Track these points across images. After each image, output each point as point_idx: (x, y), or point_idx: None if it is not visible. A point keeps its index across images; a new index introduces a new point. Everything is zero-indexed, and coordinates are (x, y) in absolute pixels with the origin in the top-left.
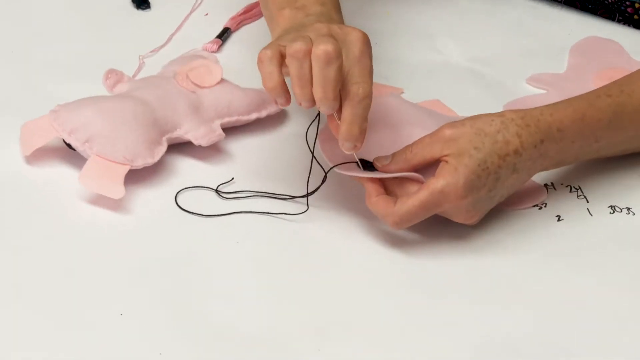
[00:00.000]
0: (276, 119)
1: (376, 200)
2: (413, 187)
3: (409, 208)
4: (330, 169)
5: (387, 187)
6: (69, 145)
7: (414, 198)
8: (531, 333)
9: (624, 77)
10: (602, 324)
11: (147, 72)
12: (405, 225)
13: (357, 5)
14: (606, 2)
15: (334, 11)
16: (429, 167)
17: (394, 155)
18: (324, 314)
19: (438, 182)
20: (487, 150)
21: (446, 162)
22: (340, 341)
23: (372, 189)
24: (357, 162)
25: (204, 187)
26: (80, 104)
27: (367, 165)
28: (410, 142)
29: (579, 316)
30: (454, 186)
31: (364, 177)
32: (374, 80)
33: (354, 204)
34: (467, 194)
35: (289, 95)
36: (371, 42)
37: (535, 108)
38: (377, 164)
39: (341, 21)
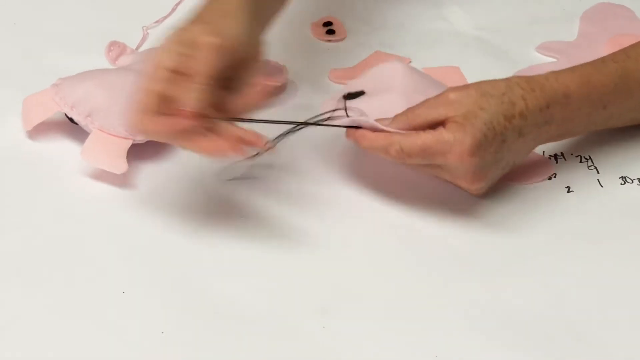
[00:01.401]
0: (281, 90)
1: (375, 134)
2: None
3: (412, 144)
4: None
5: None
6: (71, 120)
7: (419, 137)
8: (541, 308)
9: (633, 44)
10: (612, 298)
11: (151, 43)
12: (407, 160)
13: None
14: None
15: None
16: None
17: (395, 116)
18: (329, 291)
19: (446, 133)
20: (493, 110)
21: (454, 122)
22: (346, 318)
23: (365, 130)
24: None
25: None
26: (82, 78)
27: (354, 96)
28: None
29: (588, 290)
30: (461, 142)
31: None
32: (380, 49)
33: (360, 182)
34: (474, 151)
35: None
36: (378, 10)
37: (541, 74)
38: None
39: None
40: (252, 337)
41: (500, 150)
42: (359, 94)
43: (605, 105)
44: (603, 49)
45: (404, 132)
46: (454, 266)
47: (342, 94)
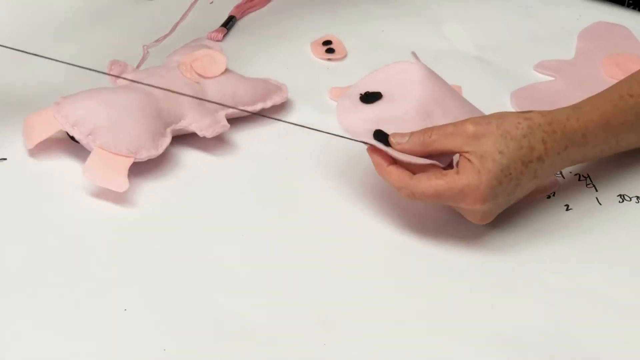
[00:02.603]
0: (281, 109)
1: (390, 169)
2: (430, 167)
3: (424, 190)
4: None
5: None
6: (72, 138)
7: (431, 184)
8: (541, 325)
9: None
10: (612, 316)
11: (152, 62)
12: (417, 200)
13: None
14: None
15: None
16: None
17: (411, 135)
18: (330, 308)
19: (460, 180)
20: (511, 155)
21: (468, 160)
22: (347, 336)
23: (382, 159)
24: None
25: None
26: (83, 96)
27: (381, 136)
28: (429, 122)
29: (588, 308)
30: (475, 189)
31: (374, 147)
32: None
33: (363, 196)
34: (486, 199)
35: None
36: (378, 29)
37: (561, 111)
38: (392, 140)
39: None
40: (253, 353)
41: (513, 193)
42: (376, 96)
43: (619, 141)
44: (600, 67)
45: (422, 161)
46: (453, 283)
47: (359, 91)
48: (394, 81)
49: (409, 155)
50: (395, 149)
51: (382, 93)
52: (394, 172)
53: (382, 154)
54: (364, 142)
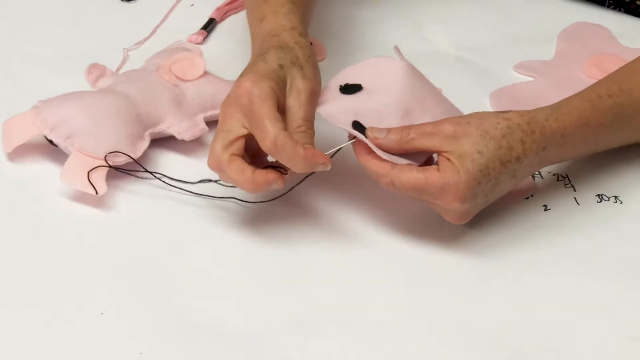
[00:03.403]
0: None
1: (370, 157)
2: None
3: (404, 180)
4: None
5: None
6: (51, 142)
7: (412, 176)
8: (519, 326)
9: (621, 70)
10: (590, 316)
11: (132, 65)
12: (396, 190)
13: None
14: None
15: (300, 24)
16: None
17: (389, 131)
18: (308, 311)
19: (440, 177)
20: (490, 155)
21: (447, 159)
22: (324, 338)
23: (363, 147)
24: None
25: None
26: (62, 100)
27: (359, 128)
28: (407, 120)
29: (567, 308)
30: (454, 188)
31: (356, 139)
32: None
33: (342, 198)
34: (465, 199)
35: (278, 175)
36: (358, 31)
37: (540, 111)
38: (370, 135)
39: (305, 33)
40: (230, 356)
41: (492, 192)
42: (356, 87)
43: (598, 142)
44: (580, 68)
45: (399, 160)
46: (432, 285)
47: (339, 83)
48: (376, 75)
49: (385, 153)
50: (372, 143)
51: (363, 85)
52: (375, 159)
53: (364, 143)
54: (343, 129)
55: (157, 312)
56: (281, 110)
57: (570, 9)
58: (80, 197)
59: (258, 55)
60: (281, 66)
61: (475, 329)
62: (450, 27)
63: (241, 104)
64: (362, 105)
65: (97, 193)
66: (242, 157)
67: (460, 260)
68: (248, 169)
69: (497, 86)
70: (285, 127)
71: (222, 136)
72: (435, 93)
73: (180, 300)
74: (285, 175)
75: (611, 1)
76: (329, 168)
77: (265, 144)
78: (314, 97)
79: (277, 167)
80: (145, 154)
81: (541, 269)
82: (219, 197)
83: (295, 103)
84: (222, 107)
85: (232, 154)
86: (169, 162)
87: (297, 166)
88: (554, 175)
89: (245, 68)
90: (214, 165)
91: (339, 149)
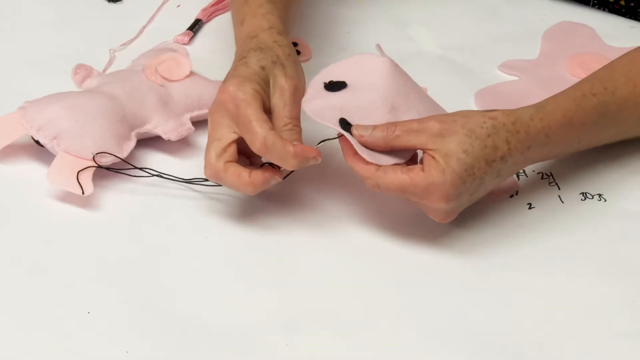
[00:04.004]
0: None
1: (355, 159)
2: (395, 156)
3: (389, 182)
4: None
5: None
6: (37, 142)
7: (396, 177)
8: (504, 324)
9: (604, 68)
10: (575, 313)
11: (118, 65)
12: (381, 191)
13: None
14: None
15: (280, 23)
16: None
17: (374, 128)
18: (293, 308)
19: (424, 177)
20: (475, 154)
21: (432, 157)
22: (308, 335)
23: (349, 147)
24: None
25: (174, 178)
26: (48, 101)
27: (345, 125)
28: (393, 116)
29: (550, 306)
30: (439, 188)
31: (342, 136)
32: None
33: (326, 197)
34: (450, 198)
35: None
36: (344, 31)
37: (525, 110)
38: (355, 133)
39: (285, 31)
40: (215, 353)
41: (476, 191)
42: (340, 85)
43: (581, 140)
44: (564, 67)
45: (384, 160)
46: (418, 283)
47: (323, 80)
48: (360, 72)
49: (370, 153)
50: (358, 141)
51: (347, 82)
52: (361, 162)
53: (350, 142)
54: (330, 127)
55: (143, 311)
56: (267, 110)
57: (554, 8)
58: (66, 198)
59: (239, 59)
60: (263, 67)
61: (460, 327)
62: (435, 26)
63: (227, 109)
64: (347, 102)
65: (83, 193)
66: (238, 160)
67: (446, 258)
68: (245, 172)
69: (482, 85)
70: (273, 127)
71: (214, 145)
72: (419, 91)
73: (166, 298)
74: (281, 169)
75: (595, 1)
76: (320, 161)
77: (255, 145)
78: (298, 94)
79: (273, 163)
80: (131, 154)
81: (526, 267)
82: (209, 192)
83: (280, 102)
84: (209, 115)
85: (227, 161)
86: (155, 161)
87: (288, 163)
88: (539, 173)
89: (228, 73)
90: (212, 175)
91: (324, 140)
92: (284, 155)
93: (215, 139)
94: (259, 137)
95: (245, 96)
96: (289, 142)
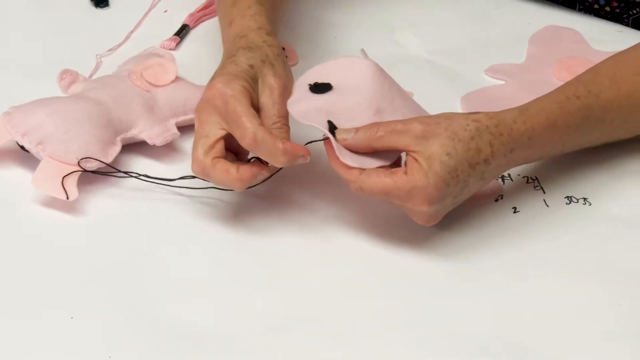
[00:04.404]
0: None
1: (339, 163)
2: (380, 158)
3: (372, 186)
4: None
5: None
6: (22, 147)
7: (379, 181)
8: (488, 328)
9: (589, 71)
10: (560, 317)
11: (105, 71)
12: (365, 195)
13: None
14: None
15: (268, 23)
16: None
17: (357, 130)
18: (278, 312)
19: (407, 180)
20: (458, 157)
21: (415, 160)
22: (294, 340)
23: (333, 150)
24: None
25: (160, 181)
26: (33, 106)
27: (331, 128)
28: (379, 118)
29: (535, 309)
30: (422, 191)
31: (327, 139)
32: None
33: (310, 199)
34: (433, 201)
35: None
36: (330, 35)
37: (509, 112)
38: (338, 137)
39: (273, 31)
40: (200, 358)
41: (460, 194)
42: (326, 87)
43: (565, 143)
44: (551, 71)
45: (367, 163)
46: (402, 286)
47: (309, 81)
48: (345, 74)
49: (353, 156)
50: (341, 145)
51: (333, 85)
52: (344, 167)
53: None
54: (317, 128)
55: (127, 315)
56: (255, 109)
57: (541, 12)
58: (51, 203)
59: (228, 57)
60: (251, 66)
61: (445, 330)
62: (422, 31)
63: (215, 106)
64: (332, 105)
65: (67, 198)
66: (225, 157)
67: (431, 261)
68: (232, 168)
69: (469, 89)
70: (262, 123)
71: (202, 142)
72: (403, 94)
73: (150, 303)
74: (269, 165)
75: (581, 6)
76: (309, 160)
77: (245, 141)
78: (287, 93)
79: (261, 159)
80: (117, 159)
81: (510, 271)
82: (195, 196)
83: (269, 100)
84: (196, 113)
85: (214, 157)
86: (140, 167)
87: (277, 160)
88: (524, 177)
89: (216, 71)
90: (199, 171)
91: (312, 142)
92: (274, 151)
93: (203, 136)
94: (249, 132)
95: (233, 92)
96: (278, 138)
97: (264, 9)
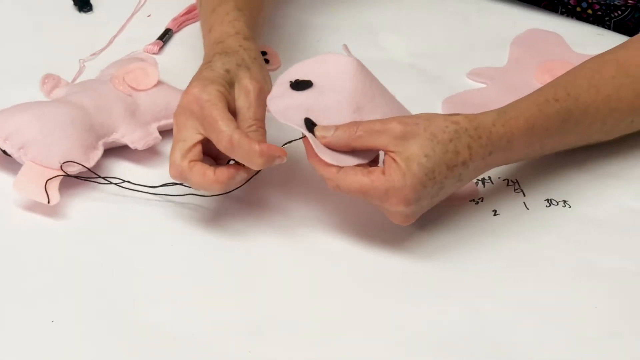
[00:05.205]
0: None
1: (317, 160)
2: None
3: (349, 184)
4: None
5: None
6: (4, 152)
7: (356, 179)
8: (466, 330)
9: (568, 73)
10: (538, 320)
11: (88, 75)
12: (342, 193)
13: (301, 1)
14: None
15: (246, 29)
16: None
17: (337, 128)
18: (257, 315)
19: (385, 180)
20: (437, 159)
21: (394, 160)
22: (273, 343)
23: (312, 148)
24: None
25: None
26: (15, 110)
27: (309, 125)
28: (359, 116)
29: (515, 313)
30: (399, 191)
31: (305, 137)
32: None
33: (289, 200)
34: (410, 202)
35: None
36: (313, 39)
37: (488, 115)
38: (317, 134)
39: (251, 36)
40: None
41: (437, 195)
42: (306, 84)
43: (543, 146)
44: (532, 74)
45: (346, 161)
46: (381, 288)
47: (289, 79)
48: (325, 71)
49: (331, 154)
50: (320, 142)
51: (313, 82)
52: (323, 164)
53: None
54: (295, 127)
55: (107, 319)
56: (232, 113)
57: (523, 16)
58: (33, 207)
59: (204, 63)
60: (227, 70)
61: (424, 332)
62: (404, 34)
63: (192, 111)
64: (313, 102)
65: (49, 202)
66: (203, 161)
67: (409, 262)
68: (209, 170)
69: (450, 92)
70: (239, 127)
71: (179, 146)
72: (384, 91)
73: (129, 307)
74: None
75: (564, 9)
76: (285, 160)
77: (221, 144)
78: (263, 96)
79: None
80: (99, 163)
81: (489, 273)
82: (176, 200)
83: (245, 103)
84: (174, 118)
85: (191, 160)
86: (122, 170)
87: (254, 162)
88: (504, 180)
89: (193, 77)
90: (176, 175)
91: (290, 142)
92: (250, 153)
93: (180, 140)
94: (225, 135)
95: (209, 97)
96: (254, 140)
97: (242, 14)
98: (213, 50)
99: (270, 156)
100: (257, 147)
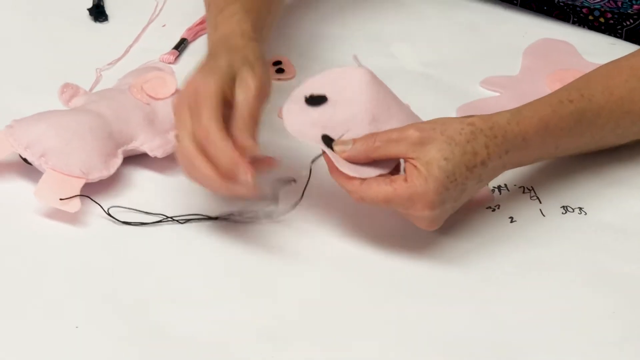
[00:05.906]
0: None
1: (340, 173)
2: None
3: (374, 195)
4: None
5: None
6: (25, 160)
7: (380, 190)
8: (484, 336)
9: (582, 78)
10: (556, 326)
11: (105, 84)
12: (367, 204)
13: (312, 11)
14: (560, 3)
15: (252, 31)
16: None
17: (355, 142)
18: (276, 322)
19: (408, 187)
20: (456, 161)
21: (414, 166)
22: (293, 349)
23: (332, 162)
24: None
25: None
26: (35, 119)
27: (327, 141)
28: (375, 127)
29: (530, 318)
30: (423, 196)
31: (324, 152)
32: None
33: (309, 209)
34: (435, 206)
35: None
36: (327, 49)
37: (502, 115)
38: (336, 149)
39: (257, 38)
40: None
41: (460, 198)
42: (321, 99)
43: (558, 146)
44: (544, 83)
45: (367, 172)
46: (399, 294)
47: (304, 94)
48: (339, 85)
49: (352, 167)
50: (340, 157)
51: (327, 96)
52: (346, 177)
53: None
54: (313, 144)
55: (130, 325)
56: (229, 106)
57: (536, 25)
58: (54, 214)
59: (208, 56)
60: (230, 65)
61: (441, 338)
62: (417, 43)
63: (189, 100)
64: (328, 117)
65: (70, 210)
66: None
67: (426, 269)
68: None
69: (464, 101)
70: (232, 121)
71: (183, 134)
72: (398, 101)
73: (152, 313)
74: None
75: (575, 18)
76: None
77: (199, 133)
78: (263, 93)
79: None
80: (118, 171)
81: (506, 279)
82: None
83: (243, 99)
84: (173, 108)
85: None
86: (141, 179)
87: (221, 161)
88: (520, 187)
89: (196, 67)
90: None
91: (317, 158)
92: (222, 148)
93: (182, 129)
94: (204, 128)
95: (206, 88)
96: (230, 143)
97: (249, 16)
98: (218, 46)
99: (237, 164)
100: (229, 146)
